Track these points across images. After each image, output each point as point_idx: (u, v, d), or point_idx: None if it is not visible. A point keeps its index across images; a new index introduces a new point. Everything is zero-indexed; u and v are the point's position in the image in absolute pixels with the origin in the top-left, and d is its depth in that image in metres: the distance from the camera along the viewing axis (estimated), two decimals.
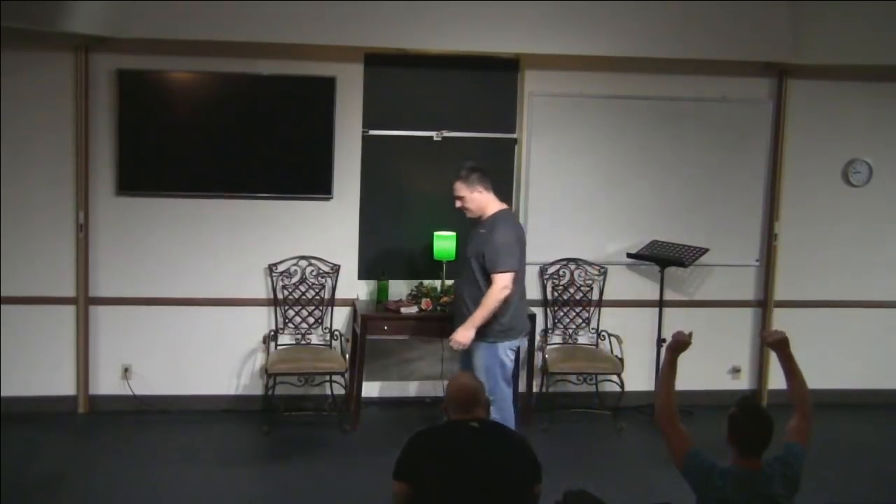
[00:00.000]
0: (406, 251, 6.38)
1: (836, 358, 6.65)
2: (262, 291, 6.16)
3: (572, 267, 6.44)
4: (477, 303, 4.96)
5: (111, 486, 4.99)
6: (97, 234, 6.00)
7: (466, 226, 6.30)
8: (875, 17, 5.94)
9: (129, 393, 6.10)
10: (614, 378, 6.21)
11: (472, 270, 5.02)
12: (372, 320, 5.91)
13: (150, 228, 6.04)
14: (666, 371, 3.44)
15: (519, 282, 5.05)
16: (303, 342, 6.20)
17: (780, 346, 3.43)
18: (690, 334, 3.49)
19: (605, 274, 6.45)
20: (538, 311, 6.30)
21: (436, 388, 6.31)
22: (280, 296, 6.13)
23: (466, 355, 5.11)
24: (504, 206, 5.16)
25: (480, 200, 5.06)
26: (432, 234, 6.22)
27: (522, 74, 6.30)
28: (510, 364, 5.11)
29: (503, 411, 5.02)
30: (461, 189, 5.06)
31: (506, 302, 4.95)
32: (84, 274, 5.97)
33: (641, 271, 6.51)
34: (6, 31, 5.06)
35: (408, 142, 6.31)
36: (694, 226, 6.47)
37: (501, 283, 4.91)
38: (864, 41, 6.04)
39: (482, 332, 4.98)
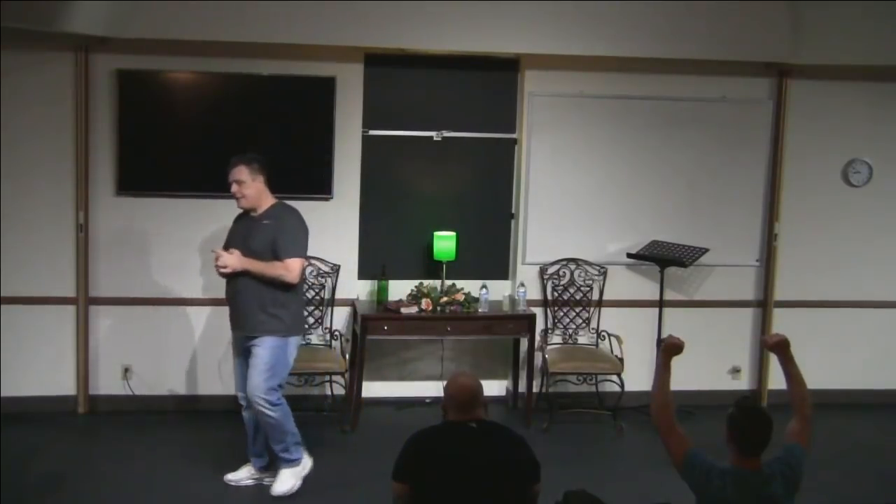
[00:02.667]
0: (406, 251, 6.38)
1: (836, 358, 6.65)
2: None
3: (572, 267, 6.44)
4: (270, 300, 4.71)
5: (111, 486, 4.99)
6: (97, 234, 6.00)
7: (467, 225, 6.34)
8: (875, 17, 5.95)
9: (129, 393, 6.10)
10: (614, 378, 6.21)
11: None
12: (372, 320, 5.91)
13: (150, 228, 6.04)
14: (660, 373, 3.46)
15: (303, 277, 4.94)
16: (302, 342, 6.18)
17: (781, 348, 3.44)
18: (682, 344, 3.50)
19: (605, 274, 6.45)
20: (538, 311, 6.30)
21: (436, 389, 6.31)
22: None
23: (246, 353, 4.83)
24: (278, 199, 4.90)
25: (260, 191, 4.79)
26: (432, 234, 6.22)
27: (522, 74, 6.30)
28: (291, 363, 4.92)
29: (278, 408, 4.81)
30: (243, 173, 4.73)
31: (297, 290, 4.83)
32: (84, 274, 5.97)
33: (641, 271, 6.50)
34: (6, 31, 5.07)
35: (408, 142, 6.31)
36: (694, 226, 6.47)
37: (297, 267, 4.73)
38: (864, 41, 6.04)
39: (273, 327, 4.74)
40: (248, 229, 4.82)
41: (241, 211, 4.92)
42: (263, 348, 4.76)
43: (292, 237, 4.77)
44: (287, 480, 4.90)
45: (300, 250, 4.80)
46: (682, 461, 3.22)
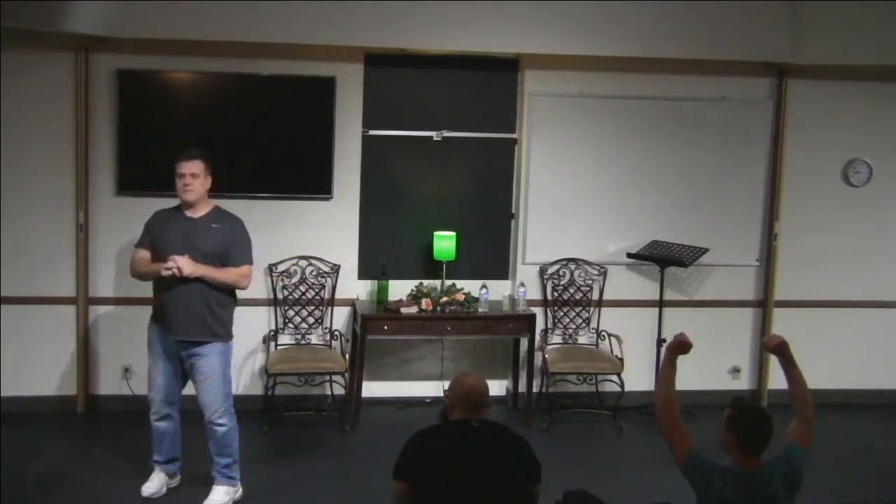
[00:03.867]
0: (406, 251, 6.38)
1: (836, 358, 6.65)
2: (262, 291, 6.15)
3: (572, 267, 6.44)
4: (215, 304, 4.65)
5: (111, 486, 4.99)
6: (97, 234, 6.00)
7: (467, 225, 6.34)
8: (874, 17, 5.95)
9: (129, 393, 6.10)
10: (614, 378, 6.21)
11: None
12: (372, 320, 5.91)
13: None
14: (666, 371, 3.45)
15: None
16: (303, 342, 6.20)
17: (781, 350, 3.44)
18: (691, 344, 3.50)
19: (605, 274, 6.45)
20: (538, 311, 6.30)
21: (436, 389, 6.32)
22: (280, 296, 6.14)
23: (176, 360, 4.73)
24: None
25: (206, 190, 4.71)
26: (432, 234, 6.22)
27: (522, 74, 6.30)
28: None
29: (234, 418, 4.81)
30: (200, 168, 4.65)
31: (235, 295, 4.80)
32: (84, 274, 5.97)
33: (641, 271, 6.51)
34: (6, 31, 5.07)
35: (408, 142, 6.31)
36: (694, 226, 6.47)
37: (250, 273, 4.75)
38: (864, 41, 6.05)
39: (218, 332, 4.68)
40: (189, 230, 4.67)
41: (159, 209, 4.86)
42: (213, 357, 4.68)
43: (246, 244, 4.76)
44: (221, 497, 4.80)
45: (251, 257, 4.80)
46: (685, 461, 3.22)
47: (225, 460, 4.81)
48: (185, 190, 4.66)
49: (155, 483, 4.87)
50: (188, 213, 4.73)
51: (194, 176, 4.65)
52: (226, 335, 4.75)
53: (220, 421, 4.75)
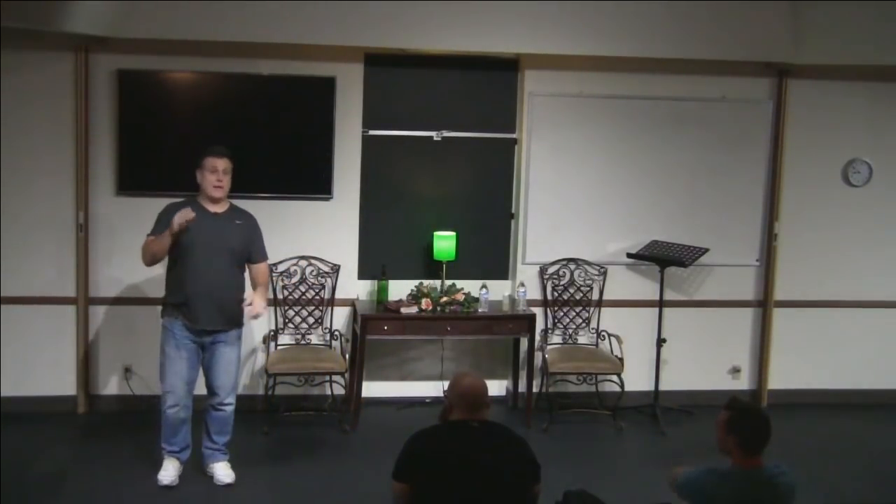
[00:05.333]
0: (406, 251, 6.38)
1: (836, 358, 6.65)
2: None
3: (572, 267, 6.44)
4: (241, 291, 4.87)
5: (111, 486, 4.99)
6: (97, 234, 6.00)
7: (466, 225, 6.33)
8: (875, 17, 5.95)
9: (129, 393, 6.10)
10: (614, 378, 6.20)
11: (229, 263, 4.82)
12: (372, 320, 5.91)
13: (149, 228, 6.02)
14: None
15: None
16: (303, 342, 6.20)
17: None
18: None
19: (605, 274, 6.45)
20: (538, 311, 6.30)
21: (436, 389, 6.32)
22: (280, 296, 6.13)
23: (196, 350, 4.87)
24: None
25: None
26: (432, 234, 6.22)
27: (522, 74, 6.30)
28: None
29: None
30: (230, 165, 4.82)
31: None
32: (84, 274, 5.97)
33: (641, 271, 6.51)
34: (6, 31, 5.07)
35: (408, 142, 6.31)
36: (694, 226, 6.47)
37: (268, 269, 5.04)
38: (864, 41, 6.05)
39: (241, 318, 4.92)
40: (219, 228, 4.82)
41: (174, 203, 4.95)
42: (236, 343, 4.93)
43: (262, 240, 5.02)
44: (228, 471, 5.03)
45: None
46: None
47: (224, 438, 5.02)
48: (219, 186, 4.80)
49: (171, 471, 4.92)
50: (211, 209, 4.84)
51: (226, 172, 4.80)
52: (242, 321, 4.94)
53: (229, 401, 4.96)
